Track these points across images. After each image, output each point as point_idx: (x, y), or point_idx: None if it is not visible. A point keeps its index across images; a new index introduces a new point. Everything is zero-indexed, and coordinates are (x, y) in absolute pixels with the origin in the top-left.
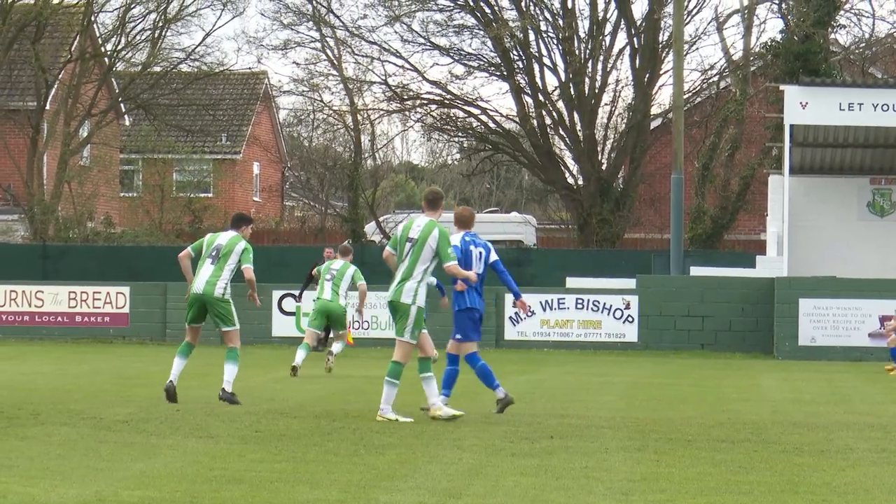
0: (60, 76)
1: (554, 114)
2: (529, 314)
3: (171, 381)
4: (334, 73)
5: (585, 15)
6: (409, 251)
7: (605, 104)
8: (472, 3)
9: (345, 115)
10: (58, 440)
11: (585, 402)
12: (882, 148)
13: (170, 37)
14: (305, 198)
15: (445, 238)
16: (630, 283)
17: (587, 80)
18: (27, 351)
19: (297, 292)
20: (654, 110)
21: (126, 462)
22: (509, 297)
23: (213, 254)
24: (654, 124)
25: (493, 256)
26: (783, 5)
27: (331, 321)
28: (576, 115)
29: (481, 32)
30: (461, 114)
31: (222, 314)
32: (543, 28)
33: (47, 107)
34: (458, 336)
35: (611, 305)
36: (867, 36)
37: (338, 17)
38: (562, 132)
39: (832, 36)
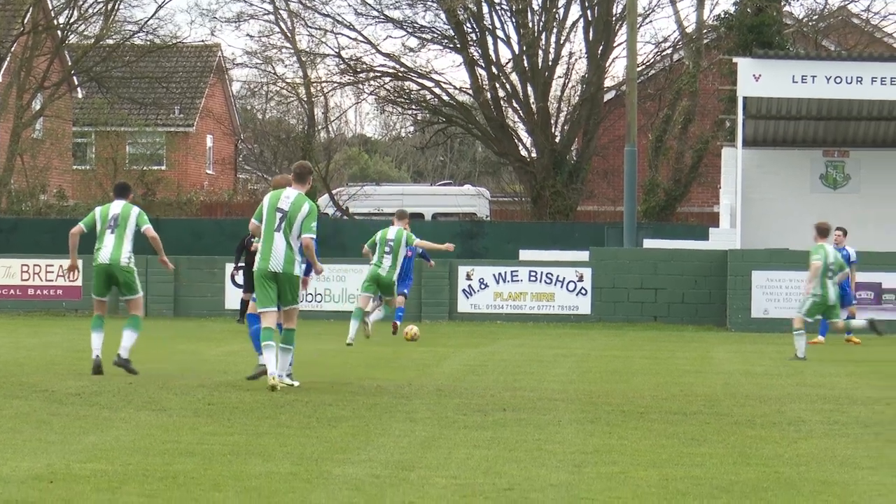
0: (13, 49)
1: (507, 86)
2: (305, 293)
3: (96, 356)
4: (288, 45)
5: None
6: (280, 221)
7: (559, 77)
8: None
9: (298, 87)
10: (9, 413)
11: (538, 375)
12: (835, 120)
13: (122, 9)
14: (259, 170)
15: (314, 213)
16: (583, 255)
17: (540, 52)
18: None
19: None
20: (608, 83)
21: (78, 435)
22: (463, 270)
23: (112, 224)
24: (607, 97)
25: None
26: None
27: (381, 289)
28: (529, 88)
29: (434, 5)
30: (415, 86)
31: (128, 282)
32: (497, 0)
33: None
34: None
35: (564, 278)
36: (820, 8)
37: None
38: (515, 105)
39: (785, 8)
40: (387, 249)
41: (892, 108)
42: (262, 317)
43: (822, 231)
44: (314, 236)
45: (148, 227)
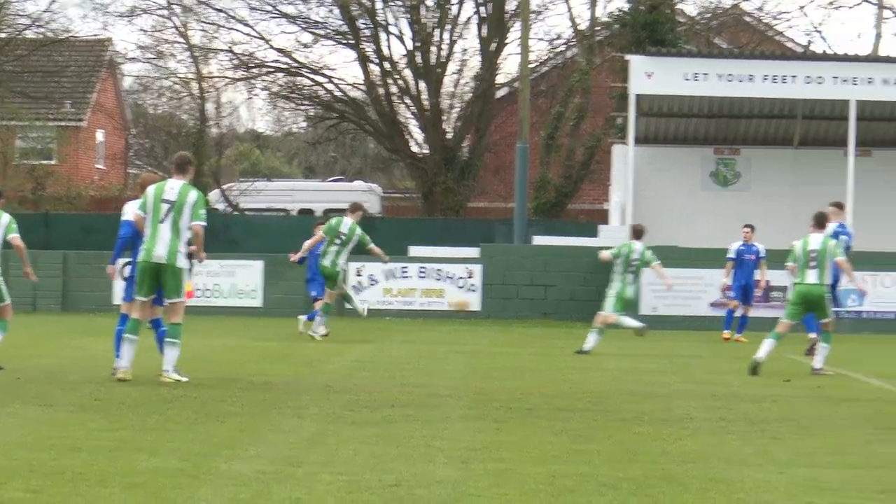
0: None
1: (400, 82)
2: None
3: None
4: (181, 40)
5: None
6: (167, 213)
7: (452, 73)
8: None
9: (190, 82)
10: None
11: (427, 371)
12: (726, 118)
13: (14, 2)
14: (149, 165)
15: (202, 200)
16: (473, 252)
17: (434, 48)
18: None
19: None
20: (501, 80)
21: None
22: (353, 266)
23: None
24: (500, 94)
25: None
26: None
27: (326, 280)
28: (422, 84)
29: (329, 0)
30: (307, 82)
31: None
32: None
33: None
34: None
35: (454, 274)
36: (713, 6)
37: None
38: (407, 101)
39: (679, 6)
40: (337, 241)
41: (783, 106)
42: (134, 306)
43: (635, 232)
44: (205, 223)
45: (14, 237)
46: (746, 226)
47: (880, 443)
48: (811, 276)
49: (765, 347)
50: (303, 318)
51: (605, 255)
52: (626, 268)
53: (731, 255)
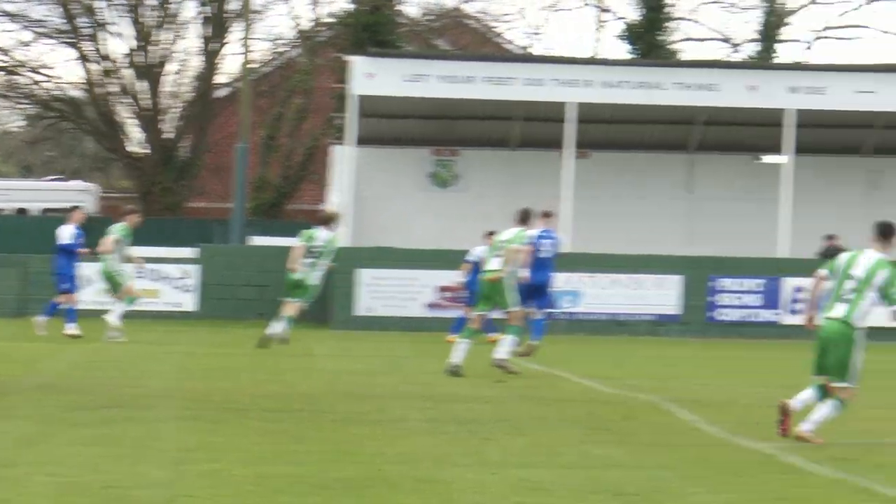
0: None
1: (121, 82)
2: None
3: None
4: None
5: None
6: None
7: (174, 73)
8: None
9: None
10: None
11: (143, 372)
12: (446, 120)
13: None
14: None
15: None
16: (191, 252)
17: (155, 48)
18: None
19: None
20: (222, 79)
21: None
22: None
23: None
24: (221, 93)
25: None
26: None
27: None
28: (142, 84)
29: None
30: (26, 80)
31: None
32: None
33: None
34: None
35: (170, 274)
36: (435, 7)
37: None
38: (127, 100)
39: (400, 7)
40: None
41: (503, 107)
42: None
43: (324, 219)
44: None
45: None
46: (491, 232)
47: (593, 443)
48: (493, 264)
49: (461, 349)
50: (39, 319)
51: (296, 246)
52: (307, 253)
53: (472, 257)
